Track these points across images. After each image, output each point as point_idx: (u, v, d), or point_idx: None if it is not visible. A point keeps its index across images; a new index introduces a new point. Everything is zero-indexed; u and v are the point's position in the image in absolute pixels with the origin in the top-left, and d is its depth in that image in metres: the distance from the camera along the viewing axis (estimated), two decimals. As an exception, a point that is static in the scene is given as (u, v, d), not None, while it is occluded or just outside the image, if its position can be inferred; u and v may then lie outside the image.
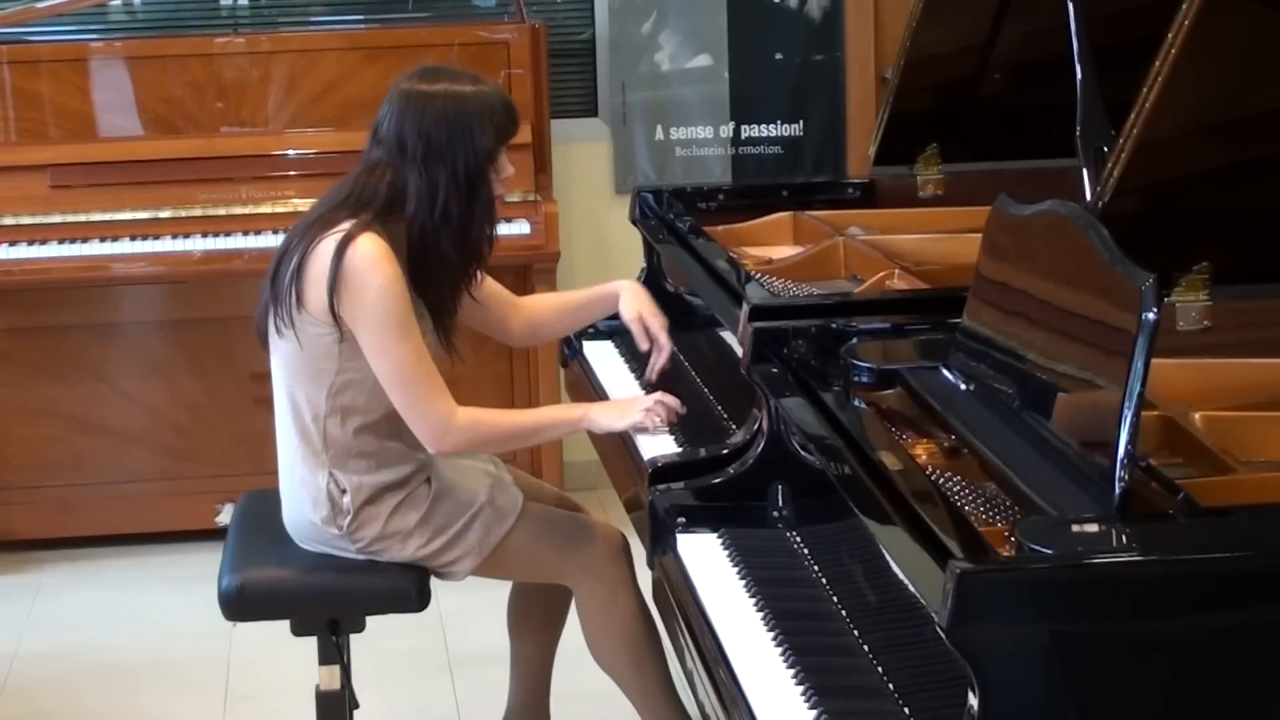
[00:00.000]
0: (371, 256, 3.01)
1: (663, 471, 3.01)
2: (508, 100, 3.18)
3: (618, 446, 3.39)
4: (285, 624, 3.24)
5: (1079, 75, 3.20)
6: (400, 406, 3.09)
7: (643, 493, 3.04)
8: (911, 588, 2.14)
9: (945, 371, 2.67)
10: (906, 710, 2.27)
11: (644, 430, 3.19)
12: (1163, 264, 2.26)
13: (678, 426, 3.27)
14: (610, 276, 3.65)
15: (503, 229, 4.75)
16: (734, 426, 3.18)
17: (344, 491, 3.13)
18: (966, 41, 3.88)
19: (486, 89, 3.14)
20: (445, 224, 3.09)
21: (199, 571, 4.32)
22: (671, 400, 3.23)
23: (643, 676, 3.30)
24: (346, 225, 3.05)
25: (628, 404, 3.30)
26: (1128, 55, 2.80)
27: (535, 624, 3.54)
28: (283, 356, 3.15)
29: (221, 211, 4.81)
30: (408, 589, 3.18)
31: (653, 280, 3.99)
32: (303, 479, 3.17)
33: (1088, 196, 2.96)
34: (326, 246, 3.03)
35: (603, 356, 3.88)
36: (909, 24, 3.87)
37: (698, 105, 5.34)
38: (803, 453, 2.75)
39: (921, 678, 2.26)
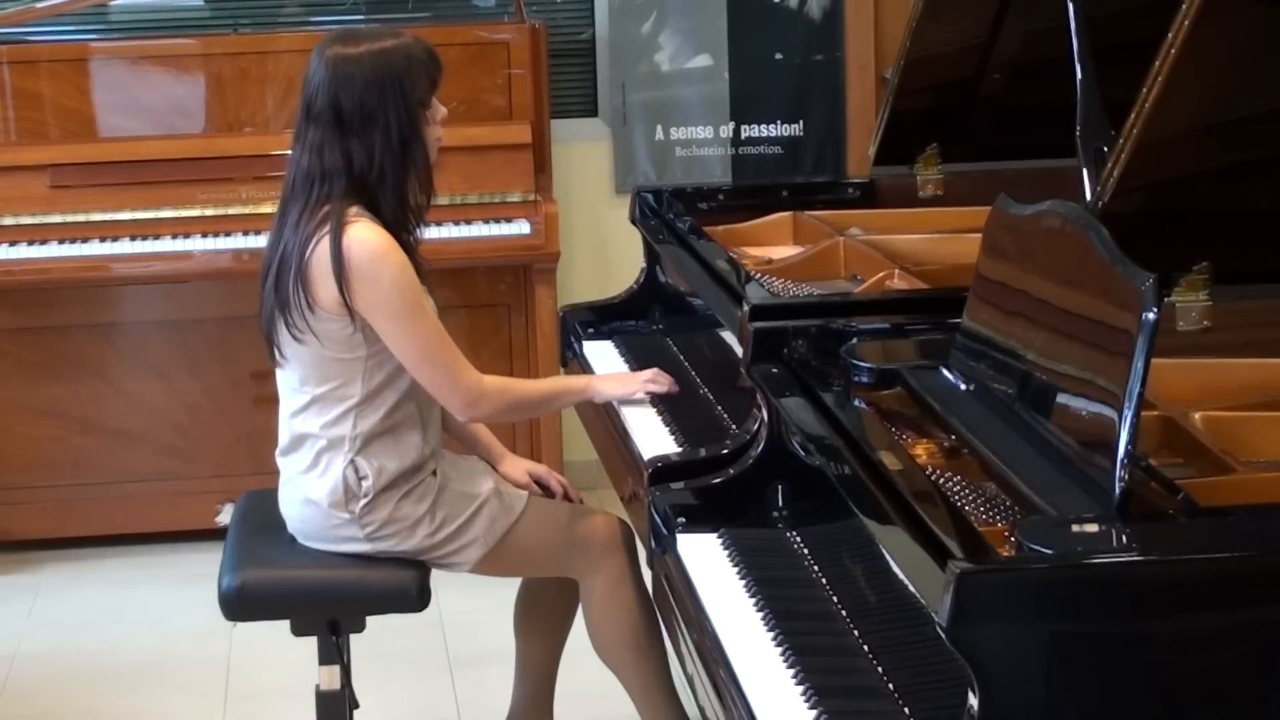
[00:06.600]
0: (372, 245, 3.06)
1: (663, 471, 3.02)
2: (429, 46, 3.22)
3: (617, 445, 3.39)
4: (285, 624, 3.24)
5: (1079, 75, 3.20)
6: (430, 385, 3.15)
7: (643, 492, 3.04)
8: (911, 588, 2.14)
9: (945, 371, 2.67)
10: (906, 710, 2.27)
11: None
12: (1163, 264, 2.26)
13: (678, 426, 3.28)
14: (610, 276, 3.66)
15: (503, 229, 4.80)
16: (734, 426, 3.18)
17: (363, 478, 3.14)
18: (966, 41, 3.88)
19: (407, 40, 3.19)
20: (382, 186, 3.11)
21: (199, 571, 4.32)
22: (666, 378, 3.39)
23: (644, 668, 3.31)
24: (331, 220, 3.06)
25: (628, 378, 3.49)
26: (1128, 55, 2.79)
27: (542, 625, 3.54)
28: (304, 363, 3.16)
29: (221, 211, 4.80)
30: (408, 589, 3.18)
31: (652, 280, 4.00)
32: (326, 464, 3.16)
33: (1088, 196, 2.95)
34: (324, 246, 3.05)
35: (603, 356, 3.88)
36: (909, 24, 3.87)
37: (698, 105, 5.33)
38: (803, 453, 2.75)
39: (921, 678, 2.26)
